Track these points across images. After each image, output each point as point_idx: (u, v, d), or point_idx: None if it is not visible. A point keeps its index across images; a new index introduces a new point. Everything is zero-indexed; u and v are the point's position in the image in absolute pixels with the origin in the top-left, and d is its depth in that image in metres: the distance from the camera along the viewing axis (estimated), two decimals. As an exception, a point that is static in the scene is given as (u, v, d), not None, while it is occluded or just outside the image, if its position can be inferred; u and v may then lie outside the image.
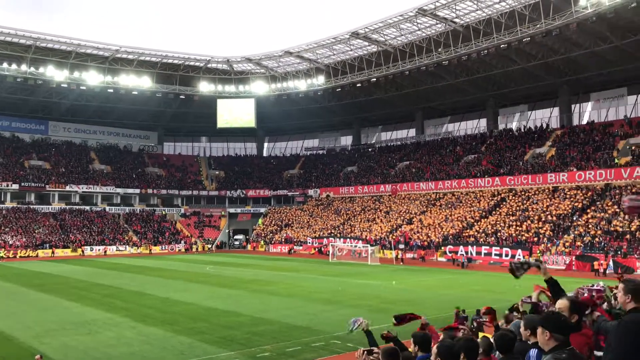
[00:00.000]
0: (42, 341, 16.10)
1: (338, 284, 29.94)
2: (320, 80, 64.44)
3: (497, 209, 49.23)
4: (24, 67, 59.52)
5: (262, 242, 63.88)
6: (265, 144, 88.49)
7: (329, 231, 58.45)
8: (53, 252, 54.90)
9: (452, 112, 69.64)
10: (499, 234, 44.28)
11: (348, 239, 53.46)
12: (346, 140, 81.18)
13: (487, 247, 42.83)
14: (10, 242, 54.69)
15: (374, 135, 78.99)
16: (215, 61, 68.92)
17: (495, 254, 41.85)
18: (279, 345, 15.43)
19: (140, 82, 65.71)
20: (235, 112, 73.02)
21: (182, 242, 64.58)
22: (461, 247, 43.97)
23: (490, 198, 51.46)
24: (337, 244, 51.14)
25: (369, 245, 47.63)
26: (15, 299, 25.22)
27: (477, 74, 56.97)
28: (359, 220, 58.84)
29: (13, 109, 70.05)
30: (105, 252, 57.47)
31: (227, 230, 70.66)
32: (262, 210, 73.14)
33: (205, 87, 70.12)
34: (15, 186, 62.50)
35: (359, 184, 66.54)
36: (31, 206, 63.09)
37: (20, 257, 52.59)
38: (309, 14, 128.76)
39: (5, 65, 58.53)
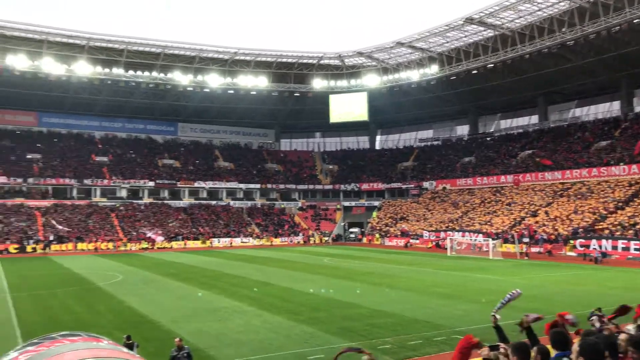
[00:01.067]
0: (179, 326, 17.40)
1: (459, 277, 29.16)
2: (433, 70, 62.99)
3: (635, 199, 44.82)
4: (154, 74, 65.07)
5: (377, 235, 63.96)
6: (378, 137, 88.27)
7: (446, 224, 56.97)
8: (185, 244, 59.38)
9: (578, 95, 64.56)
10: (638, 226, 40.30)
11: (467, 233, 51.77)
12: (462, 130, 78.48)
13: (625, 241, 39.12)
14: (149, 235, 60.03)
15: (492, 123, 75.58)
16: (327, 57, 70.09)
17: (635, 249, 38.13)
18: (400, 338, 15.38)
19: (258, 82, 68.81)
20: (348, 106, 73.75)
21: (301, 234, 66.70)
22: (594, 240, 40.60)
23: (626, 187, 47.00)
24: (455, 237, 49.72)
25: (489, 238, 45.74)
26: (155, 287, 27.61)
27: (607, 53, 52.18)
28: (478, 213, 56.69)
29: (147, 113, 76.87)
30: (230, 243, 61.05)
31: (342, 223, 71.69)
32: (376, 203, 73.18)
33: (318, 83, 71.65)
34: (151, 183, 68.57)
35: (478, 175, 64.09)
36: (165, 201, 68.76)
37: (158, 248, 57.56)
38: (420, 2, 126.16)
39: (139, 72, 64.50)
